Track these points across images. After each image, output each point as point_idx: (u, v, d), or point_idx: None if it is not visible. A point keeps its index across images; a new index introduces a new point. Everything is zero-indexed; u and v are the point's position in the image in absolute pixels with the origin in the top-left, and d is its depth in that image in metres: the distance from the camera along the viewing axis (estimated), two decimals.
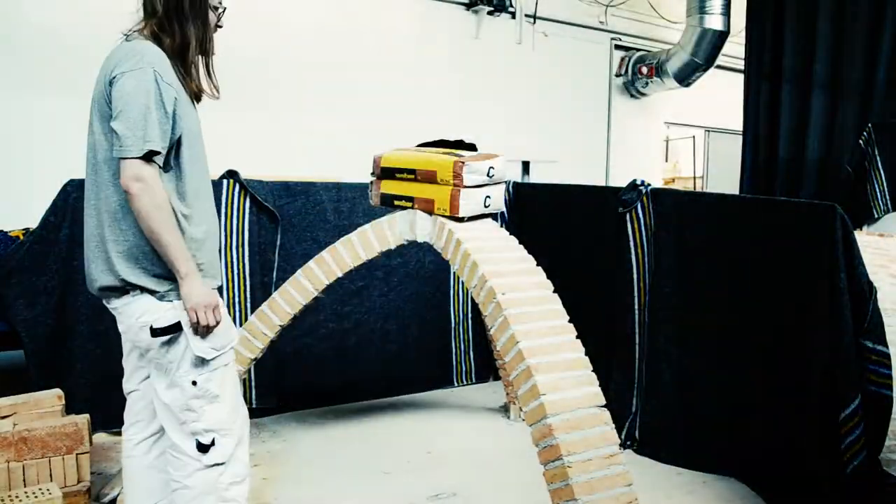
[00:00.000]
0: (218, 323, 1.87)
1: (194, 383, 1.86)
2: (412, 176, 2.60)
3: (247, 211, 3.56)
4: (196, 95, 1.96)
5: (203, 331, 1.85)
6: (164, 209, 1.76)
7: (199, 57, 1.95)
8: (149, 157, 1.74)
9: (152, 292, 1.84)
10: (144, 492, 2.08)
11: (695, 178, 9.66)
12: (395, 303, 4.06)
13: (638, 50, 7.98)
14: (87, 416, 2.76)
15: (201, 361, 1.86)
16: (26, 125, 4.76)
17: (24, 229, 3.73)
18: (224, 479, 1.91)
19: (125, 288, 1.84)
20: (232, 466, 1.93)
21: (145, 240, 1.80)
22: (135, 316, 1.86)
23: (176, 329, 1.83)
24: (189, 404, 1.87)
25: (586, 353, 2.19)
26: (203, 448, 1.88)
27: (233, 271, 3.55)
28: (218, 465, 1.90)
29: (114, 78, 1.77)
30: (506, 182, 3.43)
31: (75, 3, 4.87)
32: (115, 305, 1.90)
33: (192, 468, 1.90)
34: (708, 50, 7.17)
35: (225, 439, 1.91)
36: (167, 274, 1.83)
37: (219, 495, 1.91)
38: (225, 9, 2.02)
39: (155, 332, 1.82)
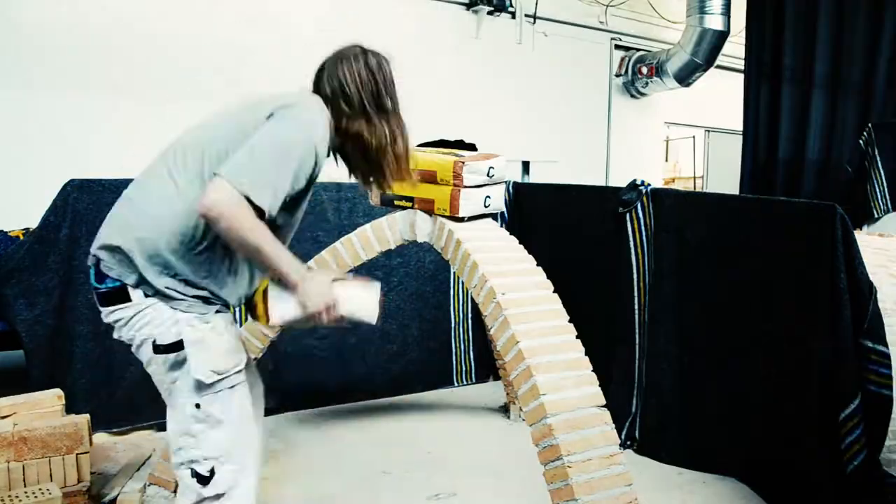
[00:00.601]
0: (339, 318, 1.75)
1: (197, 406, 1.70)
2: None
3: None
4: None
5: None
6: None
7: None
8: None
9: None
10: None
11: (695, 178, 9.67)
12: (395, 302, 4.06)
13: (638, 50, 7.98)
14: (87, 416, 2.75)
15: (200, 385, 1.69)
16: (26, 124, 4.76)
17: (24, 229, 3.73)
18: None
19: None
20: (234, 497, 1.74)
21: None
22: (135, 327, 1.73)
23: (178, 347, 1.69)
24: (189, 429, 1.72)
25: (586, 353, 2.19)
26: (202, 479, 1.71)
27: None
28: (219, 495, 1.73)
29: None
30: (506, 182, 3.43)
31: (77, 1, 4.87)
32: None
33: (190, 499, 1.74)
34: (708, 50, 7.18)
35: (224, 467, 1.73)
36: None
37: None
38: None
39: (158, 349, 1.70)
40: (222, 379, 1.71)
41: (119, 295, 1.70)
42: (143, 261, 1.67)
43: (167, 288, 1.68)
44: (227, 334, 1.74)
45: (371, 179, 1.90)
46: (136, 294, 1.69)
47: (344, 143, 1.84)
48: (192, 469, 1.72)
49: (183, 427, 1.72)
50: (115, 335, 1.79)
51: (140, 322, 1.70)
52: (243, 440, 1.78)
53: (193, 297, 1.71)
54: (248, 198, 1.55)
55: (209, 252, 1.71)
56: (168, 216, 1.68)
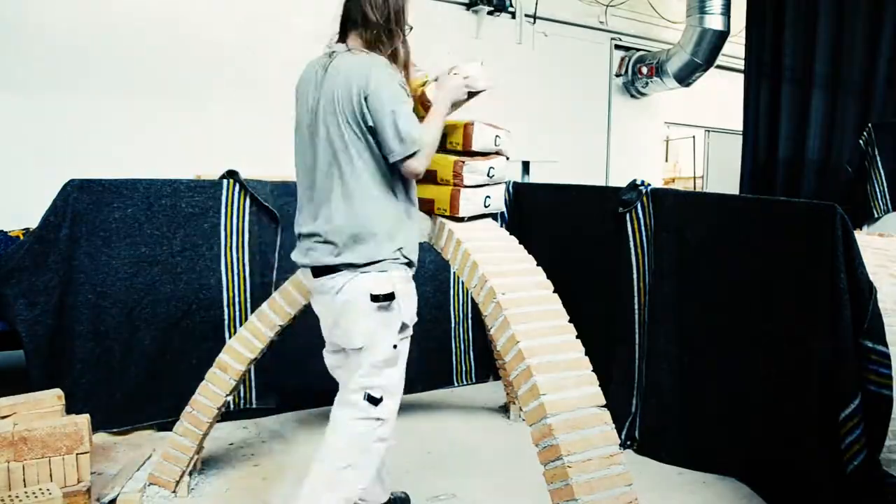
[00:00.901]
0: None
1: (395, 346, 2.14)
2: None
3: (247, 211, 3.57)
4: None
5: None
6: None
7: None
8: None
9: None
10: None
11: (695, 178, 9.67)
12: None
13: (638, 50, 7.98)
14: (87, 416, 2.75)
15: (404, 327, 2.15)
16: (26, 124, 4.76)
17: (24, 229, 3.73)
18: (378, 432, 2.14)
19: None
20: (388, 425, 2.16)
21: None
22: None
23: (392, 297, 2.12)
24: (378, 363, 2.13)
25: (586, 353, 2.19)
26: (374, 401, 2.12)
27: (232, 271, 3.55)
28: (380, 419, 2.14)
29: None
30: (506, 182, 3.43)
31: (76, 1, 4.87)
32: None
33: (357, 415, 2.14)
34: (708, 50, 7.18)
35: (391, 399, 2.17)
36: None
37: (366, 446, 2.14)
38: (412, 28, 2.37)
39: (374, 298, 2.09)
40: (411, 325, 2.21)
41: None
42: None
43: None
44: (414, 291, 2.25)
45: None
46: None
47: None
48: (367, 393, 2.13)
49: (374, 360, 2.13)
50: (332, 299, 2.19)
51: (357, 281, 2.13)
52: (403, 381, 2.25)
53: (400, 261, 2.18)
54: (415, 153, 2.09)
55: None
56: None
